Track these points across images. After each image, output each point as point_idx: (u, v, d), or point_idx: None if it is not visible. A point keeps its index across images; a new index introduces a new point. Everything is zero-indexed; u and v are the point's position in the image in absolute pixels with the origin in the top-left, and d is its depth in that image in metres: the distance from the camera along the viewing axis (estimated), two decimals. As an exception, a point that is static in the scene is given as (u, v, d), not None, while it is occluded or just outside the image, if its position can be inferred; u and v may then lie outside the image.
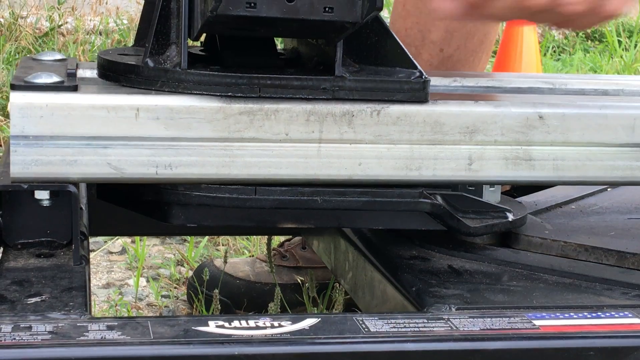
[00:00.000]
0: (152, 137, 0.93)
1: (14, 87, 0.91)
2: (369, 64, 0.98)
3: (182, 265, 1.92)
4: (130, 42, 3.70)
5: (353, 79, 0.95)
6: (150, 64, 0.95)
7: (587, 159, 1.00)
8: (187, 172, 0.94)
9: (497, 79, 1.19)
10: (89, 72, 1.07)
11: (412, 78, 0.96)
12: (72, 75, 0.99)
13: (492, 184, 1.02)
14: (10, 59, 3.42)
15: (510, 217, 1.04)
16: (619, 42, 4.24)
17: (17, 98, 0.90)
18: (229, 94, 0.93)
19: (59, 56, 1.10)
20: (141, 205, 1.01)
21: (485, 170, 0.99)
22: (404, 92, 0.96)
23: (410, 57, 0.97)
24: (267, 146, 0.95)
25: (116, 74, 0.98)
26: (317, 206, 0.98)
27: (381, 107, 0.96)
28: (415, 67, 0.97)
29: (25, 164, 0.91)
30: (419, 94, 0.96)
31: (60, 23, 3.84)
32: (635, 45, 4.16)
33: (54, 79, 0.93)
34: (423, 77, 0.96)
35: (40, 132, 0.91)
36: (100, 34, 3.91)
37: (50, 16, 3.93)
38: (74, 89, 0.93)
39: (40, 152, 0.91)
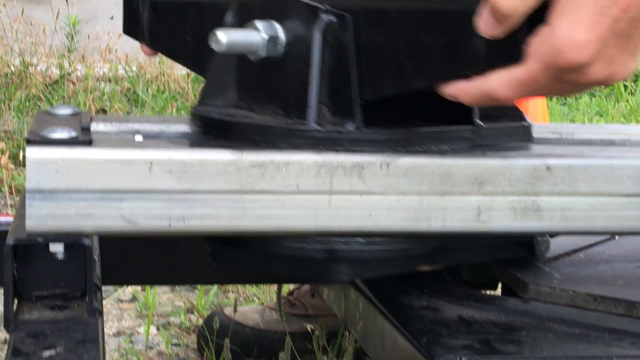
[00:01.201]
0: (165, 189, 0.94)
1: (29, 142, 0.93)
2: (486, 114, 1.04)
3: (192, 313, 1.93)
4: (140, 88, 3.74)
5: (487, 127, 1.02)
6: (318, 126, 0.97)
7: (595, 209, 1.01)
8: (200, 224, 0.95)
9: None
10: (102, 126, 1.09)
11: (524, 123, 1.08)
12: (86, 129, 1.00)
13: (501, 234, 1.03)
14: (21, 107, 3.46)
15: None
16: (625, 86, 4.27)
17: (33, 153, 0.92)
18: (399, 148, 0.97)
19: (73, 110, 1.12)
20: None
21: (494, 220, 1.00)
22: (519, 135, 1.07)
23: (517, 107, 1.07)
24: (278, 198, 0.96)
25: (268, 136, 0.98)
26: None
27: (390, 159, 0.97)
28: (519, 112, 1.07)
29: (40, 217, 0.92)
30: (529, 136, 1.08)
31: (70, 71, 3.88)
32: (641, 90, 4.18)
33: (69, 133, 0.94)
34: (528, 121, 1.07)
35: (55, 186, 0.92)
36: (110, 81, 3.95)
37: (61, 64, 3.97)
38: (89, 143, 0.94)
39: (55, 205, 0.92)
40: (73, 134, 0.95)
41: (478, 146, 1.02)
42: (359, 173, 0.97)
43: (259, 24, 1.01)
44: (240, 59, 1.05)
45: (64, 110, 1.11)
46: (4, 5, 4.25)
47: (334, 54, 0.98)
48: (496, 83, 0.88)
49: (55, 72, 4.01)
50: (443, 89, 0.92)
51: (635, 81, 4.40)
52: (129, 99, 3.76)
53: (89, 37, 4.03)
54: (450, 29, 0.90)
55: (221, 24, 1.08)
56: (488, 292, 1.08)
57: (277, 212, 0.96)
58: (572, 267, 1.16)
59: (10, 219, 1.34)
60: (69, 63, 3.98)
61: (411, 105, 1.05)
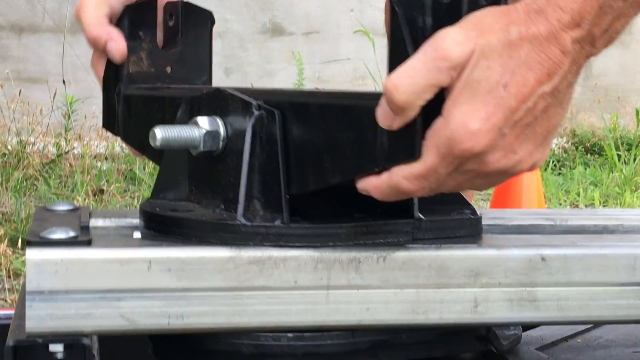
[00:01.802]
0: (164, 288, 0.95)
1: (29, 244, 0.94)
2: (426, 205, 1.04)
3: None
4: (137, 167, 3.77)
5: (428, 220, 1.02)
6: (246, 221, 0.98)
7: (590, 299, 1.02)
8: (199, 321, 0.96)
9: (499, 216, 1.21)
10: (100, 222, 1.10)
11: (471, 215, 1.05)
12: (85, 228, 1.01)
13: (497, 325, 1.04)
14: (19, 187, 3.47)
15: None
16: (618, 156, 4.30)
17: (33, 255, 0.93)
18: (330, 243, 0.97)
19: (71, 206, 1.13)
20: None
21: (490, 312, 1.00)
22: (465, 228, 1.04)
23: (463, 195, 1.03)
24: (276, 294, 0.97)
25: (199, 231, 1.00)
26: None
27: (387, 253, 0.98)
28: (469, 206, 1.05)
29: (40, 318, 0.93)
30: (476, 229, 1.05)
31: (67, 150, 3.91)
32: (635, 159, 4.21)
33: (68, 233, 0.96)
34: (477, 214, 1.05)
35: (55, 287, 0.93)
36: (106, 159, 3.97)
37: (57, 143, 4.00)
38: (88, 243, 0.95)
39: (55, 306, 0.93)
40: (72, 234, 0.96)
41: (418, 240, 1.01)
42: (356, 267, 0.98)
43: (200, 119, 1.04)
44: (189, 152, 1.07)
45: (62, 207, 1.13)
46: (1, 85, 4.30)
47: (264, 148, 1.00)
48: (399, 177, 0.89)
49: (52, 151, 4.03)
50: (357, 185, 0.93)
51: (628, 150, 4.44)
52: (125, 177, 3.78)
53: (85, 117, 4.06)
54: (359, 125, 0.92)
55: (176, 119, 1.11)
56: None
57: (276, 308, 0.97)
58: (570, 353, 1.17)
59: (8, 312, 1.35)
60: (66, 142, 4.00)
61: (356, 198, 1.06)
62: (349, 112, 0.93)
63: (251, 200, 0.99)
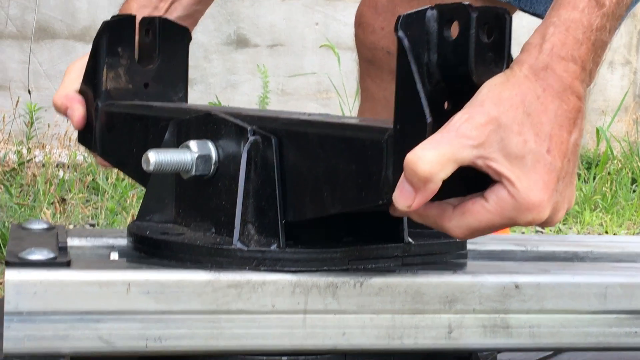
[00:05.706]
0: (143, 310, 0.95)
1: (8, 264, 0.94)
2: (414, 228, 1.06)
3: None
4: (100, 177, 3.75)
5: (417, 245, 1.04)
6: (242, 246, 0.98)
7: (562, 326, 1.04)
8: (176, 344, 0.96)
9: (471, 241, 1.23)
10: (77, 241, 1.10)
11: (457, 239, 1.08)
12: (63, 249, 1.01)
13: (471, 351, 1.05)
14: (-21, 195, 3.43)
15: None
16: (578, 174, 4.35)
17: (12, 275, 0.93)
18: (325, 268, 0.98)
19: (47, 224, 1.13)
20: None
21: (464, 338, 1.02)
22: (452, 252, 1.08)
23: None
24: (254, 318, 0.98)
25: (194, 254, 1.00)
26: None
27: (364, 278, 0.99)
28: None
29: (18, 339, 0.93)
30: (463, 251, 1.09)
31: (28, 158, 3.88)
32: (594, 178, 4.26)
33: (48, 255, 0.96)
34: None
35: (33, 308, 0.93)
36: (69, 167, 3.95)
37: (19, 151, 3.97)
38: (67, 264, 0.95)
39: (33, 327, 0.93)
40: (51, 255, 0.96)
41: (407, 265, 1.03)
42: (333, 292, 0.99)
43: (192, 143, 1.04)
44: (178, 175, 1.07)
45: (38, 225, 1.13)
46: (-37, 92, 4.26)
47: (260, 173, 1.00)
48: (451, 225, 0.90)
49: (13, 159, 4.00)
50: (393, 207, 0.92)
51: (588, 169, 4.49)
52: (87, 186, 3.76)
53: (48, 126, 4.04)
54: (363, 157, 0.92)
55: (162, 140, 1.11)
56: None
57: (253, 332, 0.98)
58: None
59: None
60: (28, 150, 3.97)
61: (344, 220, 1.06)
62: (352, 144, 0.93)
63: (246, 224, 0.99)
